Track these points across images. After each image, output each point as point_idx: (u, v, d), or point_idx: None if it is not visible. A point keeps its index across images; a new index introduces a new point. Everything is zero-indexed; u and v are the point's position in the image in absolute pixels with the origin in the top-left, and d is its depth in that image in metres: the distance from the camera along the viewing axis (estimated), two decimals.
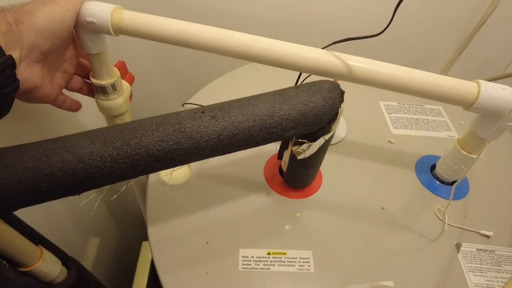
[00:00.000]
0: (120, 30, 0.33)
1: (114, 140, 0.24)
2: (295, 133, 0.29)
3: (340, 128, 0.44)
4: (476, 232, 0.37)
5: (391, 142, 0.44)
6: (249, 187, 0.38)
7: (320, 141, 0.31)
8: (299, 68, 0.32)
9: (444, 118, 0.49)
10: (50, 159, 0.23)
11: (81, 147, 0.24)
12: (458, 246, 0.36)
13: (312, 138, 0.31)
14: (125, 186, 0.27)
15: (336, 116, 0.30)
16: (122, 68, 0.43)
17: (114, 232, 0.72)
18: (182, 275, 0.31)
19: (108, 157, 0.24)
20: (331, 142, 0.43)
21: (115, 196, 0.35)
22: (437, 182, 0.41)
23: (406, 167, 0.42)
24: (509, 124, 0.32)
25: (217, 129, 0.26)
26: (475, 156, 0.36)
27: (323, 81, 0.30)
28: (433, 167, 0.41)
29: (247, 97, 0.28)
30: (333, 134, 0.31)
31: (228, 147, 0.27)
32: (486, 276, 0.34)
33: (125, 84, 0.43)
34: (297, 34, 0.61)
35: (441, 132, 0.46)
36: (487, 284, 0.33)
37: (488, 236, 0.37)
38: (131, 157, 0.24)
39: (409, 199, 0.39)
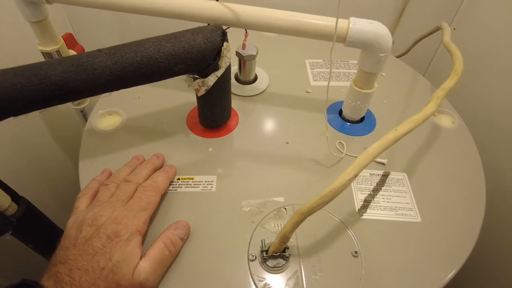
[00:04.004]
0: None
1: (23, 72, 0.30)
2: (184, 68, 0.34)
3: (262, 81, 0.49)
4: (373, 160, 0.41)
5: (308, 92, 0.49)
6: (172, 131, 0.43)
7: (213, 78, 0.36)
8: (197, 18, 0.38)
9: None
10: None
11: None
12: None
13: (204, 75, 0.36)
14: (38, 113, 0.33)
15: (220, 54, 0.35)
16: (69, 38, 0.50)
17: None
18: None
19: (18, 84, 0.30)
20: (252, 94, 0.48)
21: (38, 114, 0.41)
22: (346, 122, 0.45)
23: (318, 111, 0.46)
24: (382, 55, 0.36)
25: (109, 63, 0.32)
26: (367, 91, 0.40)
27: (209, 25, 0.36)
28: (342, 110, 0.46)
29: (139, 40, 0.34)
30: (225, 71, 0.36)
31: (123, 80, 0.33)
32: (373, 194, 0.38)
33: (73, 53, 0.50)
34: None
35: None
36: (371, 200, 0.37)
37: (383, 163, 0.41)
38: (38, 85, 0.30)
39: (314, 137, 0.43)
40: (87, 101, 0.53)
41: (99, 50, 0.33)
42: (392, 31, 0.67)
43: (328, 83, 0.34)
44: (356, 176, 0.28)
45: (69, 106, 0.53)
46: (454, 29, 0.66)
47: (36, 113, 0.32)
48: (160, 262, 0.30)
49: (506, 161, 0.54)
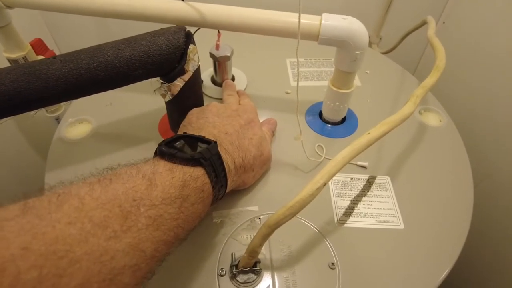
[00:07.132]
0: (11, 3, 0.38)
1: None
2: (145, 72, 0.32)
3: (240, 83, 0.47)
4: (353, 164, 0.39)
5: (288, 93, 0.46)
6: (144, 138, 0.41)
7: (179, 82, 0.34)
8: (161, 20, 0.36)
9: None
10: None
11: None
12: None
13: (170, 79, 0.34)
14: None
15: (185, 57, 0.33)
16: (39, 44, 0.48)
17: None
18: None
19: None
20: None
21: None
22: (327, 124, 0.43)
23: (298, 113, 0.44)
24: (357, 52, 0.34)
25: (64, 70, 0.30)
26: (345, 91, 0.38)
27: (171, 26, 0.34)
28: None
29: (97, 44, 0.32)
30: (193, 75, 0.34)
31: (80, 88, 0.31)
32: (353, 201, 0.36)
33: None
34: None
35: None
36: (351, 207, 0.35)
37: (365, 167, 0.39)
38: None
39: (292, 140, 0.41)
40: (62, 108, 0.52)
41: (54, 57, 0.31)
42: (379, 27, 0.65)
43: (297, 85, 0.32)
44: (325, 184, 0.26)
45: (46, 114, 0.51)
46: (444, 22, 0.63)
47: None
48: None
49: (496, 161, 0.51)
